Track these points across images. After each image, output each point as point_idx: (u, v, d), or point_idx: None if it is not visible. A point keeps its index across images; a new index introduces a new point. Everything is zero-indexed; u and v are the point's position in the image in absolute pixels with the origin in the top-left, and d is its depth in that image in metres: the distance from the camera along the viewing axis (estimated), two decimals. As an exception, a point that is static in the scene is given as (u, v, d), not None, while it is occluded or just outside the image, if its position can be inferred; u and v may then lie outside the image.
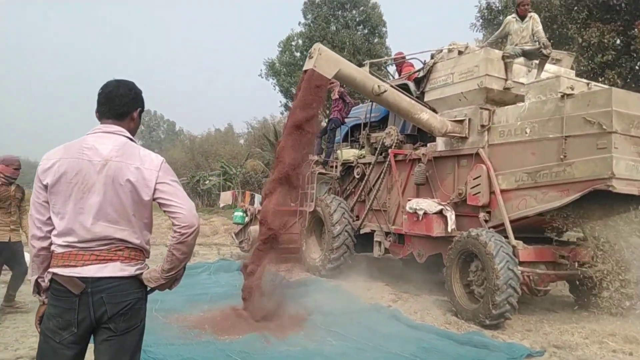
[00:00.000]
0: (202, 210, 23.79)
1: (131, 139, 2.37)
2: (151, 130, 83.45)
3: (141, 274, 2.33)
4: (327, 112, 12.61)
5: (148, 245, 2.42)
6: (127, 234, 2.27)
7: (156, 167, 2.28)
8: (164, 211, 2.29)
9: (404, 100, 6.97)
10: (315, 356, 4.45)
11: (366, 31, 27.91)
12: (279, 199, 6.01)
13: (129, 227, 2.27)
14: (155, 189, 2.26)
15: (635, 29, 14.84)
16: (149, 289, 2.38)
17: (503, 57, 6.78)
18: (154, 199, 2.28)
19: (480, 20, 19.78)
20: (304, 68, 6.47)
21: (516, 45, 6.89)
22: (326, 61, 6.35)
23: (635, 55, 15.53)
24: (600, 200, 5.75)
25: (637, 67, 16.33)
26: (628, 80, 15.91)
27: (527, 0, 7.01)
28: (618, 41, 16.32)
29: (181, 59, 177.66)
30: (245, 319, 5.35)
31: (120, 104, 2.36)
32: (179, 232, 2.24)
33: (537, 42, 6.70)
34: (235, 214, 10.16)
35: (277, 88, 27.57)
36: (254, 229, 8.90)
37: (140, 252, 2.34)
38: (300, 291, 6.97)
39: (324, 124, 11.01)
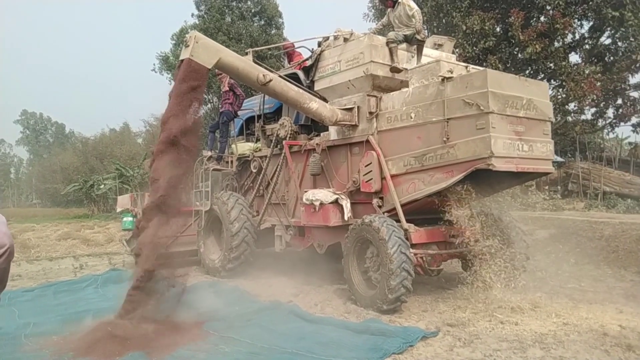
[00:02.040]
0: (99, 217, 22.21)
1: None
2: (38, 135, 76.39)
3: None
4: (217, 103, 12.13)
5: None
6: None
7: None
8: None
9: (291, 90, 6.77)
10: (204, 367, 4.13)
11: (262, 22, 27.52)
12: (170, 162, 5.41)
13: None
14: None
15: (512, 17, 15.92)
16: None
17: (387, 43, 6.79)
18: None
19: (373, 10, 20.22)
20: (180, 58, 6.03)
21: (397, 31, 6.94)
22: (204, 49, 5.95)
23: (513, 41, 16.65)
24: (484, 178, 5.96)
25: (515, 52, 17.53)
26: (508, 64, 17.06)
27: None
28: (498, 28, 17.42)
29: (64, 52, 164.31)
30: (129, 334, 4.84)
31: None
32: None
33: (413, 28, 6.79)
34: (125, 219, 9.44)
35: (172, 83, 26.39)
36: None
37: None
38: (196, 296, 6.54)
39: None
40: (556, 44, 16.26)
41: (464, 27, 16.32)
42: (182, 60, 5.93)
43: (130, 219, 9.29)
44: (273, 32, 27.25)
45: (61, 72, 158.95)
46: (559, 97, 17.28)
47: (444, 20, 17.81)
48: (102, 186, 24.92)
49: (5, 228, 1.89)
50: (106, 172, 27.78)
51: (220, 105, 9.91)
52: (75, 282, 8.08)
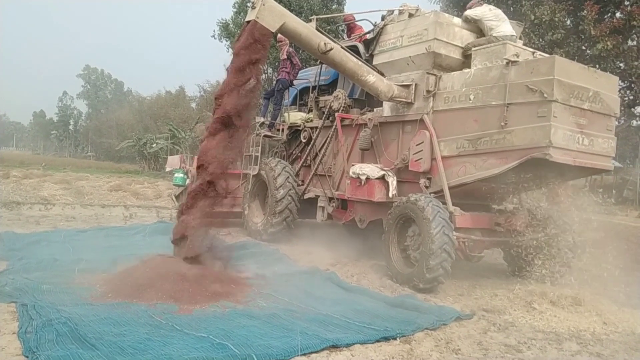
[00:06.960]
0: (149, 174, 23.02)
1: None
2: (97, 90, 79.29)
3: None
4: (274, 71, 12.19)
5: None
6: None
7: None
8: None
9: (350, 61, 6.75)
10: (242, 317, 4.29)
11: (324, -4, 27.26)
12: (221, 143, 5.62)
13: None
14: None
15: (585, 10, 15.15)
16: None
17: None
18: None
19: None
20: (246, 19, 6.11)
21: None
22: (270, 12, 6.01)
23: (583, 36, 15.89)
24: (538, 169, 5.81)
25: (583, 48, 16.73)
26: (575, 59, 16.31)
27: None
28: (568, 21, 16.64)
29: (129, 14, 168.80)
30: (172, 281, 5.02)
31: None
32: None
33: None
34: (176, 175, 9.78)
35: (231, 51, 26.68)
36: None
37: None
38: (237, 254, 6.76)
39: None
40: (630, 43, 15.40)
41: (532, 17, 15.68)
42: (247, 22, 6.01)
43: (182, 175, 9.62)
44: (334, 7, 26.99)
45: (124, 32, 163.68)
46: (626, 99, 16.44)
47: (511, 8, 17.15)
48: (154, 145, 25.76)
49: None
50: (159, 132, 28.65)
51: (276, 74, 10.00)
52: (125, 229, 8.50)
